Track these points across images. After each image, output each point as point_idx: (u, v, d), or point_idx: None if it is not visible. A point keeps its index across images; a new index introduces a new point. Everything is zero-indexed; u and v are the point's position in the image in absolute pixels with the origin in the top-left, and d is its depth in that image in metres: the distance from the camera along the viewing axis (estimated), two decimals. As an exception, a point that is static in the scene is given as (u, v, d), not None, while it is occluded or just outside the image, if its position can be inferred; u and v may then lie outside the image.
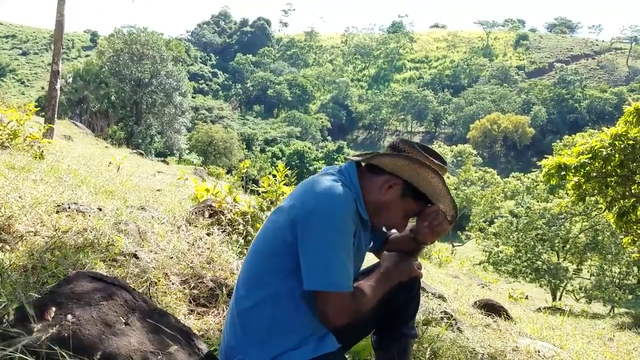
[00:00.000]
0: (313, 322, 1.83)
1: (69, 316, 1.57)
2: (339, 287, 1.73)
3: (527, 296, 12.16)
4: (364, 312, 1.83)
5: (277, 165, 4.82)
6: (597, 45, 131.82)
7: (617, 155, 8.75)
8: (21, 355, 1.38)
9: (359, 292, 1.82)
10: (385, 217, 1.94)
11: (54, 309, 1.57)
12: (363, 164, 1.99)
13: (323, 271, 1.72)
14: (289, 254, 1.79)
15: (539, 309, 10.10)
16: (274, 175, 4.49)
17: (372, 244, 2.17)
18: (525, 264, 22.24)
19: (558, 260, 23.06)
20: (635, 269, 22.24)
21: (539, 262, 22.03)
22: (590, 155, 8.94)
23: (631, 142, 8.64)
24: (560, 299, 21.58)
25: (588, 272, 23.88)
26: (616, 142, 8.74)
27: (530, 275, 22.06)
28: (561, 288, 22.66)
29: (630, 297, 21.20)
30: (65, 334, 1.52)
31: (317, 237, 1.73)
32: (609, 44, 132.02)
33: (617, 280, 22.23)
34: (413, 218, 2.02)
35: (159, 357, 1.63)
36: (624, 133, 8.71)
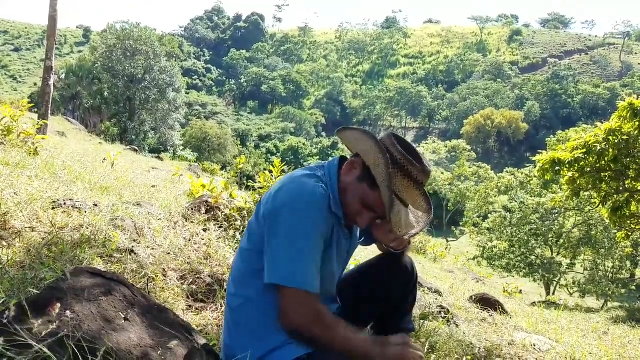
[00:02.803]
0: None
1: (69, 312, 1.57)
2: (299, 284, 1.67)
3: (521, 290, 12.23)
4: (318, 335, 1.69)
5: (271, 161, 4.81)
6: (590, 40, 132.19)
7: (611, 150, 8.78)
8: (21, 350, 1.38)
9: (334, 323, 1.72)
10: (347, 205, 1.83)
11: (52, 304, 1.56)
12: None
13: (284, 265, 1.68)
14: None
15: (534, 303, 10.17)
16: (270, 171, 4.49)
17: (362, 239, 2.14)
18: (519, 258, 22.33)
19: (552, 254, 23.15)
20: (628, 263, 22.41)
21: (532, 257, 22.13)
22: (584, 151, 8.98)
23: (625, 137, 8.68)
24: (554, 294, 21.68)
25: (581, 266, 24.00)
26: (610, 137, 8.77)
27: (524, 270, 22.15)
28: (555, 282, 22.77)
29: (623, 291, 21.32)
30: (65, 330, 1.51)
31: (282, 233, 1.70)
32: (602, 40, 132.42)
33: (611, 275, 22.34)
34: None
35: (159, 352, 1.63)
36: (618, 128, 8.75)
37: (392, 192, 1.74)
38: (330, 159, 1.95)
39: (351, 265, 3.72)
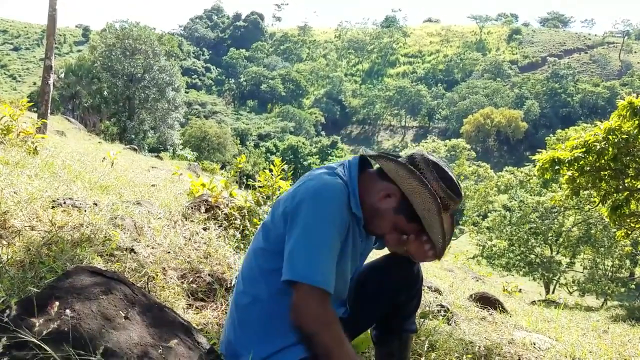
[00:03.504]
0: None
1: (69, 310, 1.57)
2: (315, 281, 1.65)
3: (520, 289, 12.24)
4: (324, 340, 1.65)
5: (271, 160, 4.80)
6: (589, 39, 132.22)
7: (610, 149, 8.79)
8: (22, 349, 1.38)
9: (343, 337, 1.69)
10: (376, 225, 1.85)
11: (57, 303, 1.56)
12: (373, 163, 1.93)
13: (301, 262, 1.66)
14: (283, 250, 1.75)
15: (534, 301, 10.17)
16: (270, 170, 4.48)
17: (377, 244, 2.12)
18: (519, 257, 22.35)
19: (551, 253, 23.18)
20: (627, 262, 22.43)
21: (532, 256, 22.17)
22: (584, 150, 8.99)
23: (625, 136, 8.68)
24: (553, 292, 21.71)
25: (581, 265, 24.03)
26: (610, 136, 8.78)
27: (523, 269, 22.18)
28: (554, 281, 22.79)
29: (622, 290, 21.36)
30: (66, 328, 1.51)
31: (300, 229, 1.69)
32: (602, 38, 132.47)
33: (610, 274, 22.39)
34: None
35: (160, 350, 1.63)
36: (617, 127, 8.76)
37: (442, 227, 1.76)
38: (351, 157, 1.92)
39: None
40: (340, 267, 1.80)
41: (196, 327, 2.13)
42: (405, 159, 1.84)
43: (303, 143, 74.08)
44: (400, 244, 1.90)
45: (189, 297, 2.79)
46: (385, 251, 2.11)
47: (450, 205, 1.80)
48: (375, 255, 2.17)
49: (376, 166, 1.91)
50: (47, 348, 1.39)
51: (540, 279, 22.31)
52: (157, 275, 2.76)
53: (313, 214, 1.69)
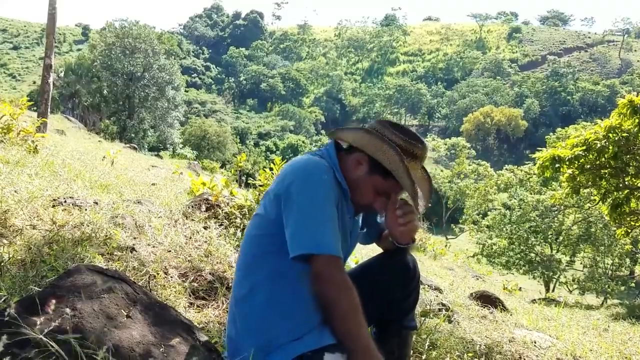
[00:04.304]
0: (312, 307, 1.81)
1: (70, 309, 1.57)
2: (327, 250, 1.70)
3: (520, 288, 12.25)
4: (343, 306, 1.69)
5: (271, 159, 4.80)
6: (589, 37, 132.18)
7: (611, 148, 8.77)
8: (24, 348, 1.38)
9: (357, 301, 1.71)
10: (361, 195, 1.91)
11: (54, 301, 1.56)
12: (344, 146, 1.99)
13: (307, 235, 1.71)
14: (276, 233, 1.79)
15: (534, 300, 10.18)
16: (271, 169, 4.48)
17: (364, 230, 2.16)
18: (519, 256, 22.33)
19: (551, 252, 23.16)
20: (627, 260, 22.40)
21: (532, 254, 22.13)
22: (584, 148, 8.97)
23: (625, 134, 8.67)
24: (553, 291, 21.71)
25: (581, 263, 24.00)
26: (610, 135, 8.77)
27: (523, 267, 22.16)
28: (554, 280, 22.77)
29: (622, 288, 21.33)
30: (67, 327, 1.51)
31: (297, 207, 1.74)
32: (602, 37, 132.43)
33: (610, 272, 22.36)
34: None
35: (161, 349, 1.63)
36: (618, 125, 8.74)
37: (408, 175, 1.81)
38: (326, 143, 2.03)
39: (352, 263, 3.72)
40: None
41: (197, 325, 2.13)
42: (361, 126, 1.97)
43: (303, 142, 74.08)
44: (387, 207, 1.96)
45: (190, 296, 2.79)
46: (375, 247, 2.12)
47: (414, 152, 1.89)
48: (368, 255, 2.18)
49: (345, 145, 1.99)
50: (53, 344, 1.39)
51: (540, 278, 22.28)
52: (158, 274, 2.76)
53: (306, 191, 1.75)
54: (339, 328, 1.70)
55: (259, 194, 4.38)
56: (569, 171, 9.34)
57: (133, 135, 39.45)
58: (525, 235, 22.34)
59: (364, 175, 1.89)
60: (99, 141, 20.51)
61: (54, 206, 3.34)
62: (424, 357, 2.71)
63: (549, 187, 26.87)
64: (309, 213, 1.72)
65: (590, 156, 9.03)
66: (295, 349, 1.76)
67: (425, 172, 2.00)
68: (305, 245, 1.70)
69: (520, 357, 3.08)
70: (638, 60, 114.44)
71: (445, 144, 74.76)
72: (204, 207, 4.25)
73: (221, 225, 3.97)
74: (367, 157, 1.87)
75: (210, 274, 3.00)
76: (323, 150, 1.97)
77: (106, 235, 2.95)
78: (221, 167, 35.71)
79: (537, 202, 23.77)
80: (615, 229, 12.94)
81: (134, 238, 3.10)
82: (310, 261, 1.72)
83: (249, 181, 5.16)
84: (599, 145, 8.82)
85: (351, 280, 1.85)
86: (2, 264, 2.26)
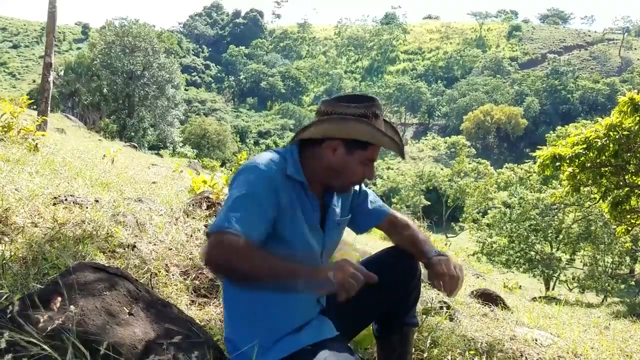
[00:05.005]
0: (302, 301, 1.81)
1: (73, 306, 1.57)
2: (221, 228, 1.56)
3: (520, 286, 12.24)
4: (236, 267, 1.53)
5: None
6: (589, 36, 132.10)
7: (611, 146, 8.77)
8: (27, 345, 1.38)
9: (254, 251, 1.56)
10: (349, 175, 1.88)
11: (60, 299, 1.56)
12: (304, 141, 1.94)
13: (219, 217, 1.60)
14: None
15: (534, 298, 10.18)
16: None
17: (349, 215, 2.10)
18: (519, 254, 22.31)
19: (551, 250, 23.15)
20: (627, 258, 22.41)
21: (532, 253, 22.13)
22: (584, 146, 8.97)
23: (626, 132, 8.67)
24: (553, 289, 21.70)
25: (581, 262, 23.99)
26: (611, 133, 8.77)
27: (523, 266, 22.14)
28: (554, 278, 22.77)
29: (622, 286, 21.34)
30: (70, 324, 1.51)
31: (230, 193, 1.72)
32: (602, 35, 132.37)
33: (610, 270, 22.35)
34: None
35: (163, 346, 1.63)
36: (618, 123, 8.74)
37: (384, 134, 1.84)
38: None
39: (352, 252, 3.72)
40: (298, 234, 1.81)
41: (199, 323, 2.13)
42: (317, 115, 1.91)
43: (303, 140, 73.91)
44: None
45: (191, 294, 2.79)
46: (373, 246, 2.12)
47: (374, 111, 1.87)
48: (372, 251, 2.17)
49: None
50: (51, 344, 1.39)
51: (540, 276, 22.28)
52: (160, 271, 2.76)
53: (238, 181, 1.72)
54: (269, 283, 1.58)
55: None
56: (570, 169, 9.33)
57: (133, 133, 39.45)
58: (525, 233, 22.33)
59: (344, 157, 1.85)
60: (99, 140, 20.51)
61: (54, 204, 3.33)
62: (425, 354, 2.71)
63: (549, 186, 26.85)
64: (230, 200, 1.66)
65: (591, 154, 9.03)
66: (294, 343, 1.77)
67: (387, 122, 2.00)
68: (210, 227, 1.61)
69: (521, 355, 3.08)
70: (638, 59, 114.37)
71: (445, 143, 74.64)
72: (204, 205, 4.25)
73: (222, 223, 3.96)
74: (339, 140, 1.84)
75: (211, 271, 3.00)
76: (286, 147, 1.95)
77: (107, 233, 2.95)
78: (221, 165, 35.68)
79: (537, 201, 23.76)
80: (615, 227, 12.95)
81: (135, 236, 3.10)
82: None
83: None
84: (599, 143, 8.82)
85: None
86: (4, 261, 2.26)
